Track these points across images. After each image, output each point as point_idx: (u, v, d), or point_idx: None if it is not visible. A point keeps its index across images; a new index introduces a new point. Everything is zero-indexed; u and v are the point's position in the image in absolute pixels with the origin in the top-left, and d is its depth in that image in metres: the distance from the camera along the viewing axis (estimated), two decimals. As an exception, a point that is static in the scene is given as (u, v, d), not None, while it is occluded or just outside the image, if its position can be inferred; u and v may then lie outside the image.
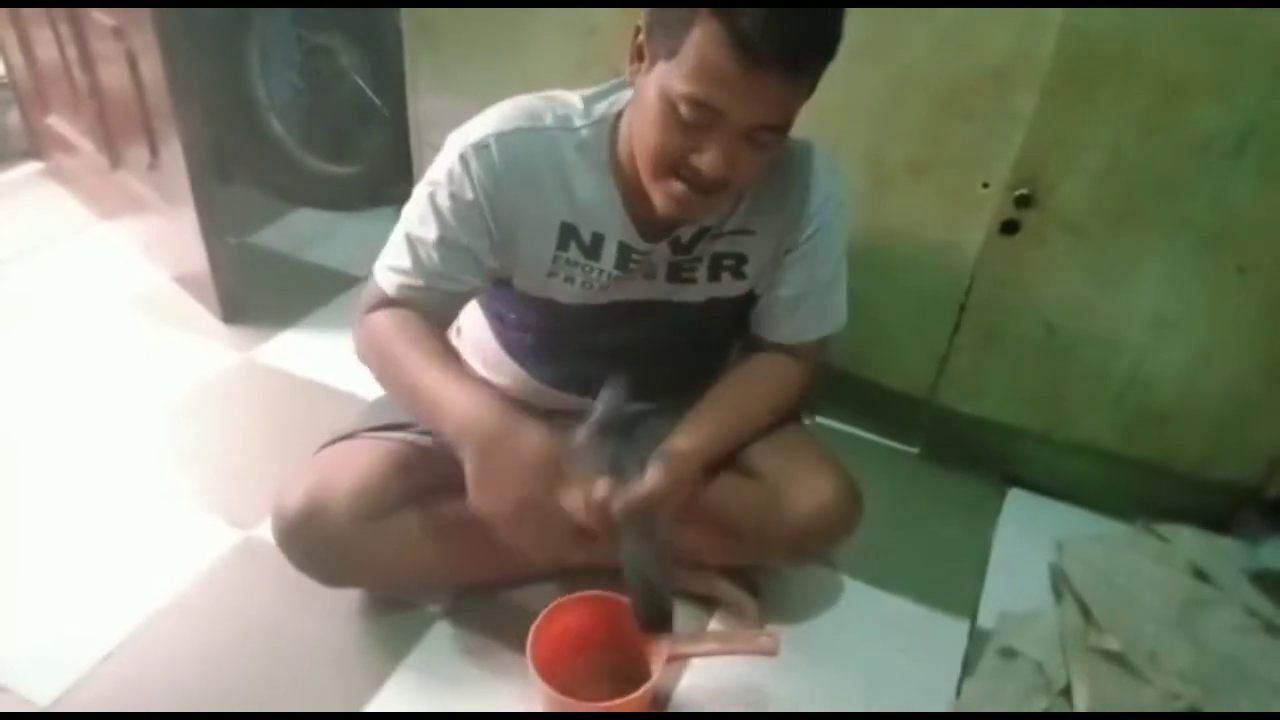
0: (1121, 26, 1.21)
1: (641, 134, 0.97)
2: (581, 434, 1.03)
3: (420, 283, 1.09)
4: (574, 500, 0.99)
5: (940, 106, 1.36)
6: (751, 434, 1.21)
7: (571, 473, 1.00)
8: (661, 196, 0.99)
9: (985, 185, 1.38)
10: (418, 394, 1.05)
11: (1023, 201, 1.35)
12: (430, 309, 1.11)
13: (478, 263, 1.09)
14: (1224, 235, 1.29)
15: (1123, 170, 1.29)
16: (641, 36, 0.95)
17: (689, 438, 1.13)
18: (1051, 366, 1.48)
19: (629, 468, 1.04)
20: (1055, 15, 1.24)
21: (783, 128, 0.94)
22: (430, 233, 1.07)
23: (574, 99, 1.08)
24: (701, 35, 0.85)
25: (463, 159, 1.04)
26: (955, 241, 1.45)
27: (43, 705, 1.17)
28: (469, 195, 1.05)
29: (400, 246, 1.10)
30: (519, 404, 1.30)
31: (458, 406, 1.01)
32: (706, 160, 0.92)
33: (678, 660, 1.17)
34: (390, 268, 1.11)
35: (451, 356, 1.10)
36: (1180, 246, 1.32)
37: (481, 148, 1.04)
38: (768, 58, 0.85)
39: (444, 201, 1.06)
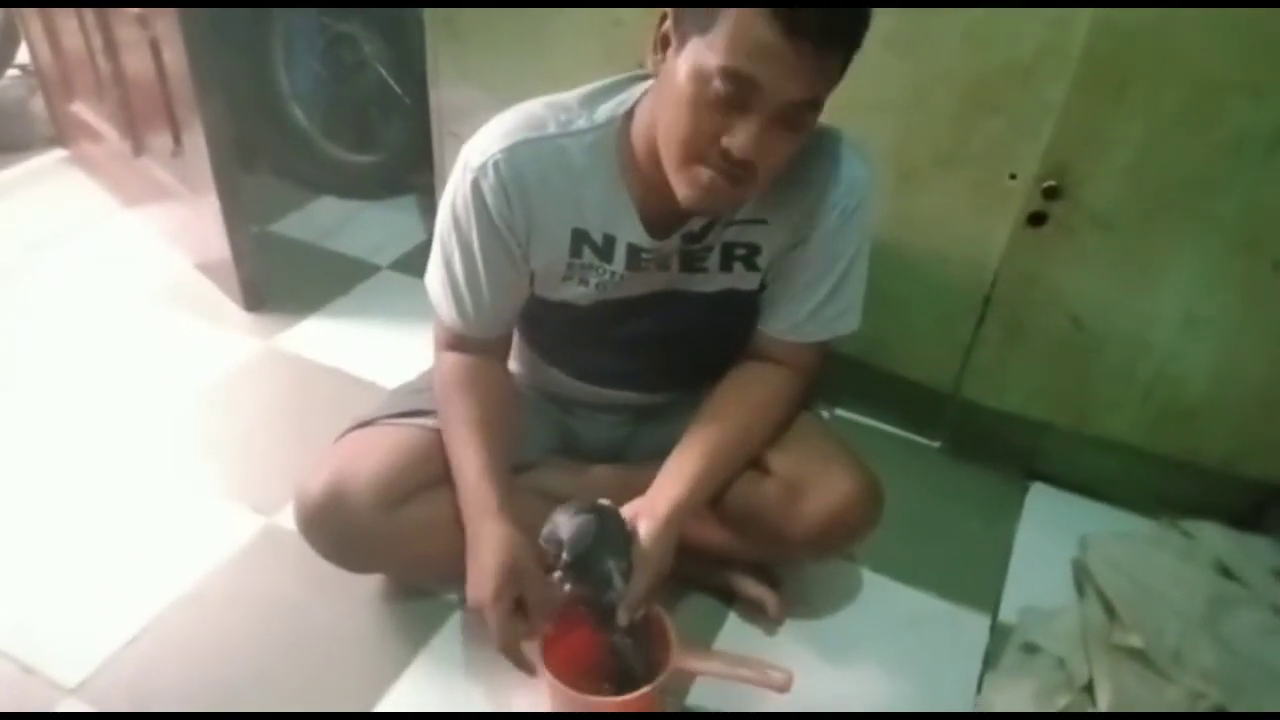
0: (1153, 22, 1.19)
1: (668, 119, 0.94)
2: (556, 575, 1.06)
3: (465, 307, 1.13)
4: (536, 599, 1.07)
5: (967, 99, 1.35)
6: (738, 469, 1.20)
7: (532, 583, 1.06)
8: (688, 185, 0.96)
9: (1012, 177, 1.37)
10: (454, 461, 1.13)
11: (1051, 193, 1.33)
12: (482, 330, 1.16)
13: (509, 279, 1.12)
14: (1257, 233, 1.27)
15: (1153, 165, 1.27)
16: (668, 23, 0.93)
17: (669, 496, 1.11)
18: (1078, 361, 1.46)
19: (608, 569, 1.04)
20: (1085, 10, 1.22)
21: (815, 105, 0.92)
22: (459, 260, 1.10)
23: (576, 100, 1.07)
24: (741, 10, 0.84)
25: (473, 183, 1.05)
26: (981, 234, 1.43)
27: (69, 687, 1.19)
28: (484, 217, 1.06)
29: (441, 272, 1.13)
30: (545, 397, 1.33)
31: (466, 495, 1.11)
32: (738, 140, 0.90)
33: (682, 673, 1.15)
34: (438, 294, 1.15)
35: (489, 431, 1.13)
36: (1211, 243, 1.30)
37: (488, 167, 1.04)
38: (805, 27, 0.84)
39: (464, 227, 1.08)
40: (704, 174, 0.94)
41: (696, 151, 0.93)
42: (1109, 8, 1.20)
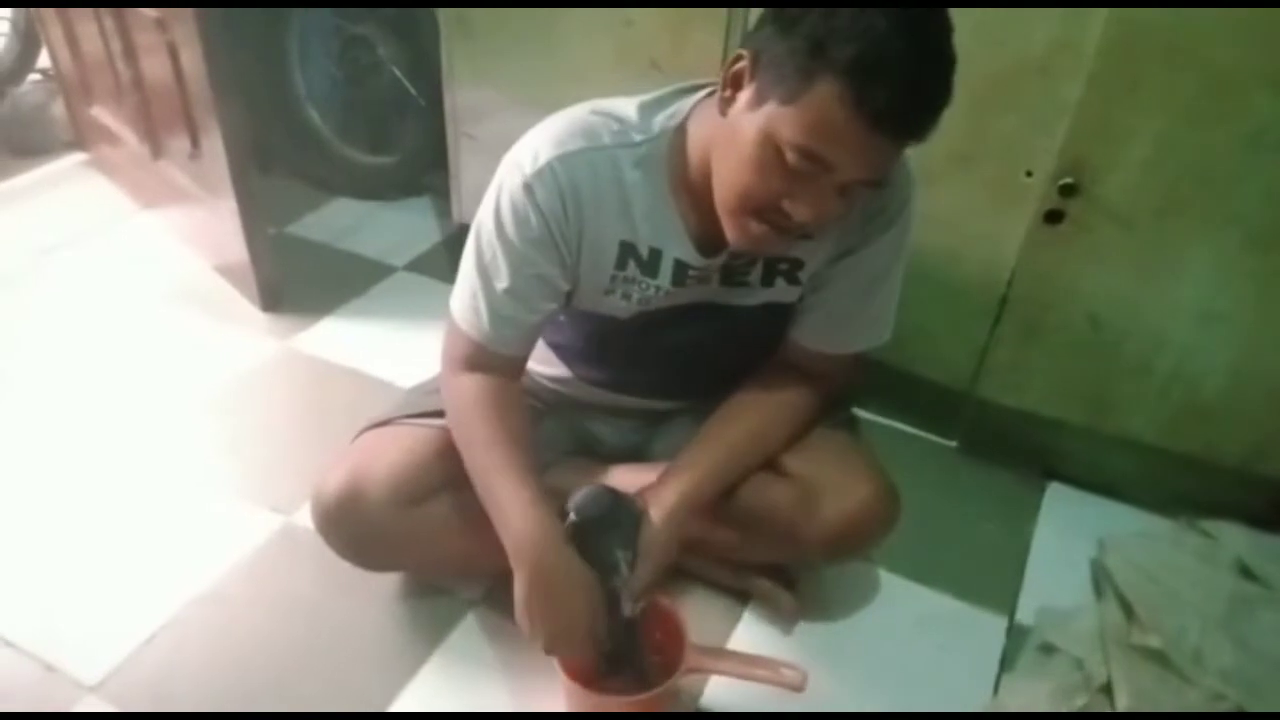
0: (1167, 15, 1.18)
1: (730, 168, 0.95)
2: (568, 531, 1.06)
3: (501, 319, 1.08)
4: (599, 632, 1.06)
5: (982, 97, 1.34)
6: (750, 469, 1.20)
7: (604, 613, 1.06)
8: (739, 232, 0.97)
9: (1029, 174, 1.36)
10: (488, 491, 1.08)
11: (1067, 191, 1.32)
12: (513, 345, 1.11)
13: (554, 289, 1.09)
14: (1275, 228, 1.25)
15: (1170, 161, 1.26)
16: (742, 64, 0.92)
17: (677, 488, 1.13)
18: (1095, 359, 1.45)
19: (615, 557, 1.06)
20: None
21: (879, 183, 0.94)
22: (503, 267, 1.06)
23: (628, 110, 1.05)
24: (827, 93, 0.84)
25: (527, 187, 1.02)
26: (997, 232, 1.43)
27: (89, 685, 1.20)
28: (538, 223, 1.03)
29: (474, 283, 1.08)
30: (562, 400, 1.32)
31: (518, 526, 1.04)
32: (801, 210, 0.92)
33: (696, 673, 1.15)
34: (468, 308, 1.10)
35: (524, 455, 1.08)
36: (1229, 238, 1.29)
37: (544, 173, 1.02)
38: (892, 127, 0.86)
39: (513, 233, 1.04)
40: (757, 227, 0.96)
41: (754, 208, 0.94)
42: (1122, 7, 1.20)
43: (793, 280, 1.14)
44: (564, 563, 1.03)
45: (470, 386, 1.11)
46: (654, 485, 1.14)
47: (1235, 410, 1.40)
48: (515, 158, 1.05)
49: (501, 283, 1.06)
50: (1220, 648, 1.22)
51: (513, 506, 1.05)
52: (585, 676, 1.08)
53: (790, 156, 0.88)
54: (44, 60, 2.49)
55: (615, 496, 1.09)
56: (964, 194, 1.42)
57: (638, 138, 1.04)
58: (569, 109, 1.08)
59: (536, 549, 1.03)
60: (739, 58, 0.92)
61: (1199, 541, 1.42)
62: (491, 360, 1.11)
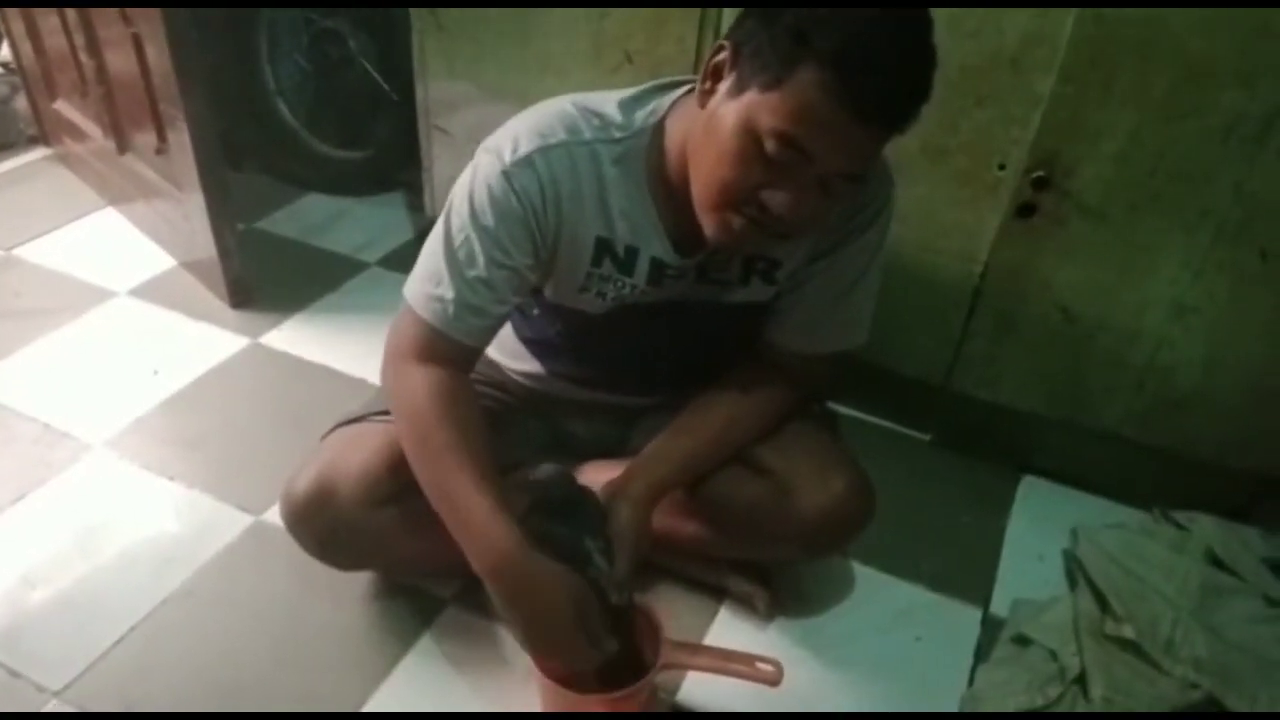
0: (1141, 9, 1.19)
1: (708, 161, 0.93)
2: (530, 519, 1.04)
3: (468, 307, 1.04)
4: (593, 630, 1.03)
5: (955, 90, 1.34)
6: (717, 462, 1.19)
7: (588, 607, 1.02)
8: (717, 228, 0.96)
9: (1001, 167, 1.36)
10: (444, 496, 1.03)
11: (1039, 184, 1.33)
12: (474, 335, 1.06)
13: (523, 281, 1.06)
14: (1246, 221, 1.26)
15: (1143, 154, 1.27)
16: (722, 55, 0.91)
17: (644, 479, 1.12)
18: (1069, 353, 1.46)
19: (586, 547, 1.04)
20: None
21: (857, 178, 0.93)
22: (477, 254, 1.02)
23: (609, 106, 1.04)
24: (810, 79, 0.83)
25: (506, 175, 1.00)
26: (970, 226, 1.43)
27: (54, 690, 1.18)
28: (517, 213, 1.01)
29: (441, 269, 1.03)
30: (535, 396, 1.31)
31: (482, 539, 1.00)
32: (779, 199, 0.90)
33: (672, 669, 1.14)
34: (431, 295, 1.04)
35: (482, 457, 1.03)
36: (1201, 231, 1.30)
37: (525, 164, 1.00)
38: (874, 116, 0.85)
39: (489, 220, 1.01)
40: (736, 221, 0.94)
41: (733, 200, 0.93)
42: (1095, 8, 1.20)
43: (769, 280, 1.13)
44: (533, 563, 0.99)
45: (422, 381, 1.04)
46: (621, 476, 1.13)
47: (1208, 403, 1.41)
48: (494, 145, 1.03)
49: (473, 270, 1.02)
50: (1193, 637, 1.23)
51: (474, 519, 1.00)
52: (561, 674, 1.07)
53: (770, 145, 0.87)
54: (5, 53, 2.44)
55: (574, 483, 1.07)
56: (936, 187, 1.42)
57: (618, 134, 1.03)
58: (549, 100, 1.06)
59: (505, 557, 0.99)
60: (720, 49, 0.91)
61: (1171, 532, 1.43)
62: (448, 350, 1.06)
